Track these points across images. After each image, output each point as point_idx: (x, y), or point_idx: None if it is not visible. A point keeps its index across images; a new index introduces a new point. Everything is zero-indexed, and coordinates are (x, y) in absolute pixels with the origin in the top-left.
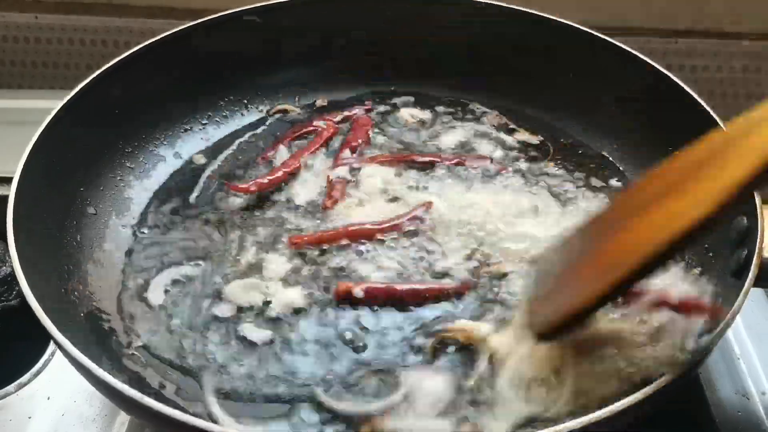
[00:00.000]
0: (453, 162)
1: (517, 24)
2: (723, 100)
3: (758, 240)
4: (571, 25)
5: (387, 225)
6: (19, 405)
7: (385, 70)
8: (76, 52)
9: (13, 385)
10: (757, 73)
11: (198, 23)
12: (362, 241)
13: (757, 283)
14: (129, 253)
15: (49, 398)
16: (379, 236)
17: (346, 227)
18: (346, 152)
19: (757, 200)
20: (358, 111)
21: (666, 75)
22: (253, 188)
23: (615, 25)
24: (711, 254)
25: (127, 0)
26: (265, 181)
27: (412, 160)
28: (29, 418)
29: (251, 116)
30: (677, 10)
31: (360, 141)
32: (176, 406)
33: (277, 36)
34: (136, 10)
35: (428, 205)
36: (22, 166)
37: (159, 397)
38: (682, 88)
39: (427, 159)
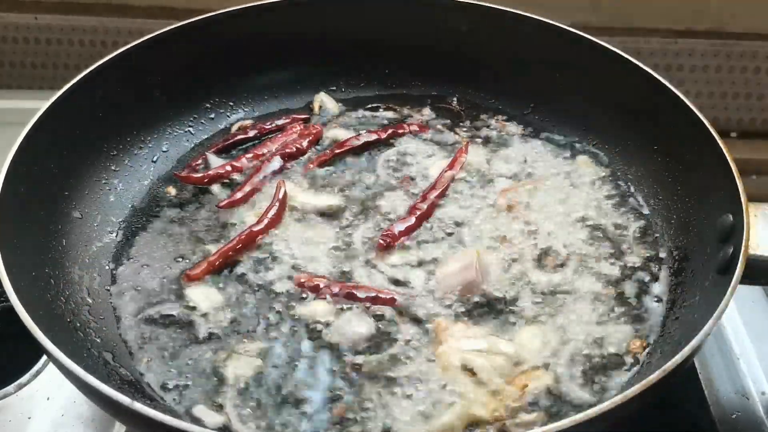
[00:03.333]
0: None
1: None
2: (723, 100)
3: (744, 237)
4: (555, 25)
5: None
6: (18, 405)
7: (369, 74)
8: (75, 52)
9: (12, 385)
10: (757, 73)
11: (183, 25)
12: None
13: (743, 280)
14: (116, 256)
15: (48, 399)
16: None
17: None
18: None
19: (743, 198)
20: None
21: (652, 75)
22: (204, 179)
23: (615, 25)
24: (697, 252)
25: (127, 0)
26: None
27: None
28: (29, 418)
29: (237, 118)
30: (677, 10)
31: (294, 148)
32: (166, 410)
33: (263, 38)
34: (135, 10)
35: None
36: (5, 170)
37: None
38: (674, 92)
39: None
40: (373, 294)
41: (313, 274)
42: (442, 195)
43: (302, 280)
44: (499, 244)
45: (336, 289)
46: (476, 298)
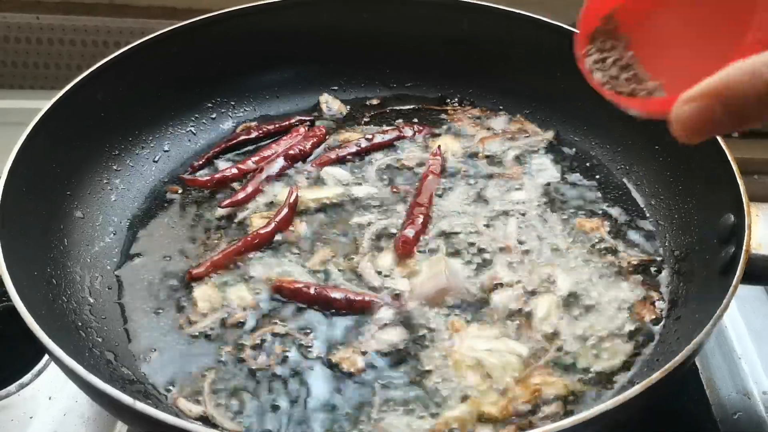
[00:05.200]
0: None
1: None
2: None
3: (745, 237)
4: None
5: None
6: (20, 405)
7: (370, 74)
8: (77, 52)
9: (14, 385)
10: None
11: (185, 24)
12: None
13: (744, 281)
14: (118, 256)
15: (50, 398)
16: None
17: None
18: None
19: (744, 197)
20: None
21: None
22: (210, 183)
23: None
24: (698, 252)
25: (128, 0)
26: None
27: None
28: (31, 418)
29: (239, 118)
30: None
31: (298, 149)
32: (168, 410)
33: (263, 38)
34: (137, 10)
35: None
36: (7, 170)
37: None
38: None
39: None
40: (351, 296)
41: (292, 279)
42: (431, 199)
43: (281, 285)
44: (497, 245)
45: (312, 291)
46: (476, 299)
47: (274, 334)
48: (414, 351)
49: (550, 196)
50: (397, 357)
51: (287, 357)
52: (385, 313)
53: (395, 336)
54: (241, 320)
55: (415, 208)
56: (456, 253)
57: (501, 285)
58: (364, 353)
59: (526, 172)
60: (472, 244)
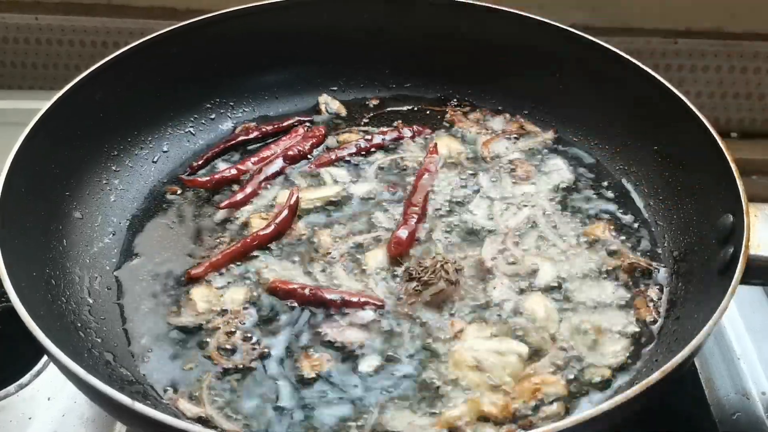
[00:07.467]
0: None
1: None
2: (723, 100)
3: (744, 237)
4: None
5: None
6: (19, 406)
7: (369, 74)
8: (76, 53)
9: (13, 386)
10: (756, 73)
11: (184, 25)
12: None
13: (744, 281)
14: (117, 257)
15: (49, 399)
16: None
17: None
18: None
19: (743, 198)
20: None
21: (652, 75)
22: (209, 183)
23: (615, 25)
24: (698, 253)
25: (127, 1)
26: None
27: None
28: (30, 418)
29: (238, 119)
30: (677, 10)
31: (297, 150)
32: (166, 410)
33: (262, 38)
34: (136, 11)
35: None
36: (6, 171)
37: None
38: (674, 92)
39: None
40: (346, 297)
41: (287, 280)
42: (426, 198)
43: (276, 285)
44: (499, 246)
45: (307, 292)
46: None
47: (271, 335)
48: (414, 351)
49: (550, 195)
50: (396, 356)
51: (285, 356)
52: (376, 313)
53: (389, 335)
54: (239, 321)
55: (410, 208)
56: (451, 242)
57: (490, 272)
58: (360, 352)
59: (533, 170)
60: (470, 232)
